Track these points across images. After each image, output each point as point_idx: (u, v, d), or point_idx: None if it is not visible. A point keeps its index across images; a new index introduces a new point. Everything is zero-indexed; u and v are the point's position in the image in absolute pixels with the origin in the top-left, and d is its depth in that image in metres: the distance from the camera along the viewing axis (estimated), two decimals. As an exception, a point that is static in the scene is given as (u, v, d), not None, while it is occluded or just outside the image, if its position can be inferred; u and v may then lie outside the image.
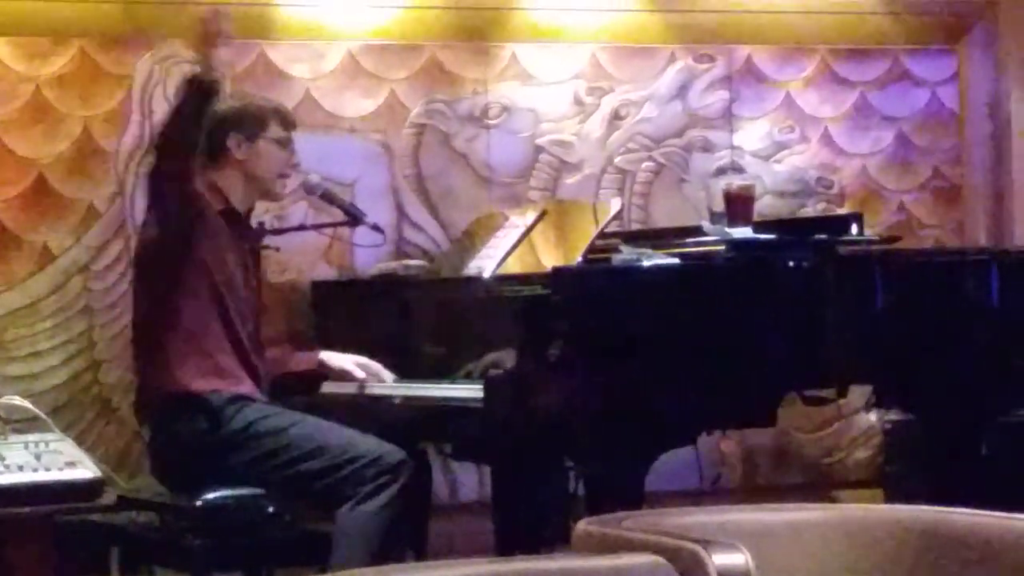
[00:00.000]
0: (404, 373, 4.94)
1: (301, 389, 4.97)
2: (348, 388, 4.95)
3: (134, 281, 4.94)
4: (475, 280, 5.00)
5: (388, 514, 4.45)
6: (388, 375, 4.92)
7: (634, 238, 5.18)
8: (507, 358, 4.46)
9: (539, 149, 6.33)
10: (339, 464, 4.49)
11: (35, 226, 5.78)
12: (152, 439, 4.75)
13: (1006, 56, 6.80)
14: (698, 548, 2.72)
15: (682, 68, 6.52)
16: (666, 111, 6.49)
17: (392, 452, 4.53)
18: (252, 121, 4.81)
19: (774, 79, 6.65)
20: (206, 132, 4.88)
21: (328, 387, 5.02)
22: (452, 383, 4.69)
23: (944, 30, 6.85)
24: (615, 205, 5.18)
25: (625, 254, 4.67)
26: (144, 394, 4.75)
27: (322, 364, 5.00)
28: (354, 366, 4.93)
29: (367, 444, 4.55)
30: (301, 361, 5.03)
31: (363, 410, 4.90)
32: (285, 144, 4.86)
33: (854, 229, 5.08)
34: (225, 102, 5.02)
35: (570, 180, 6.35)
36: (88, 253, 5.82)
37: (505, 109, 6.30)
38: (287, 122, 4.89)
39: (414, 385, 4.84)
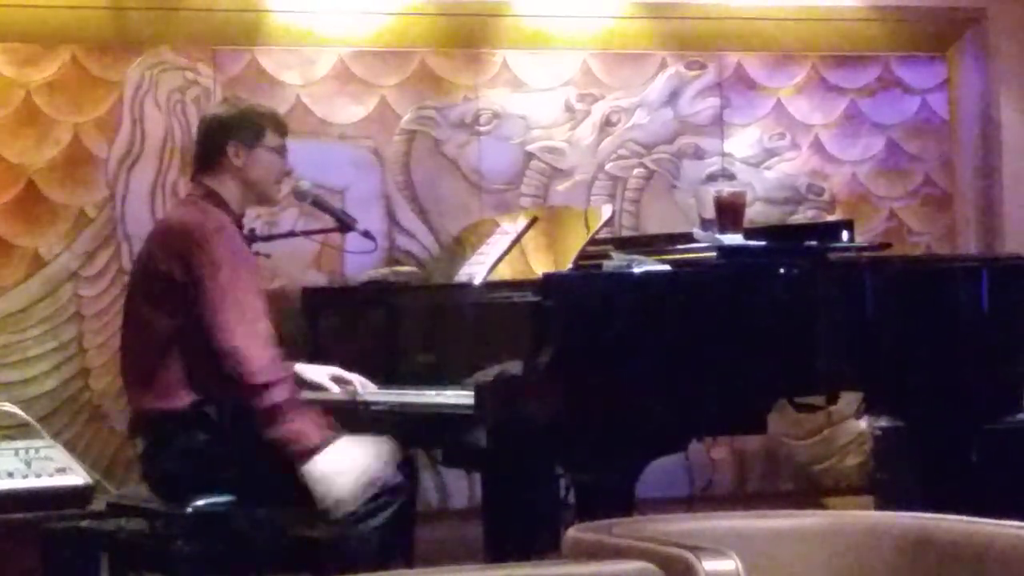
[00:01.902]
0: (394, 380, 4.93)
1: None
2: (339, 395, 4.94)
3: (130, 297, 4.90)
4: (466, 287, 5.00)
5: (383, 534, 4.45)
6: (360, 382, 4.89)
7: (625, 244, 5.18)
8: (510, 370, 4.46)
9: (530, 156, 6.34)
10: None
11: (25, 232, 5.78)
12: (150, 451, 4.70)
13: (996, 63, 6.80)
14: (688, 555, 2.73)
15: (673, 75, 6.53)
16: (657, 118, 6.50)
17: (390, 474, 4.52)
18: (250, 129, 4.79)
19: (765, 86, 6.65)
20: (203, 138, 4.87)
21: (319, 394, 5.01)
22: (443, 390, 4.68)
23: (934, 37, 6.86)
24: (606, 212, 5.18)
25: (616, 260, 4.66)
26: (141, 406, 4.71)
27: (296, 377, 4.98)
28: (329, 381, 4.91)
29: None
30: None
31: (352, 417, 4.89)
32: (281, 151, 4.86)
33: (844, 236, 5.07)
34: (219, 107, 5.02)
35: (561, 187, 6.35)
36: (78, 259, 5.82)
37: (496, 116, 6.30)
38: (282, 128, 4.89)
39: (404, 392, 4.83)
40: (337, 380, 4.90)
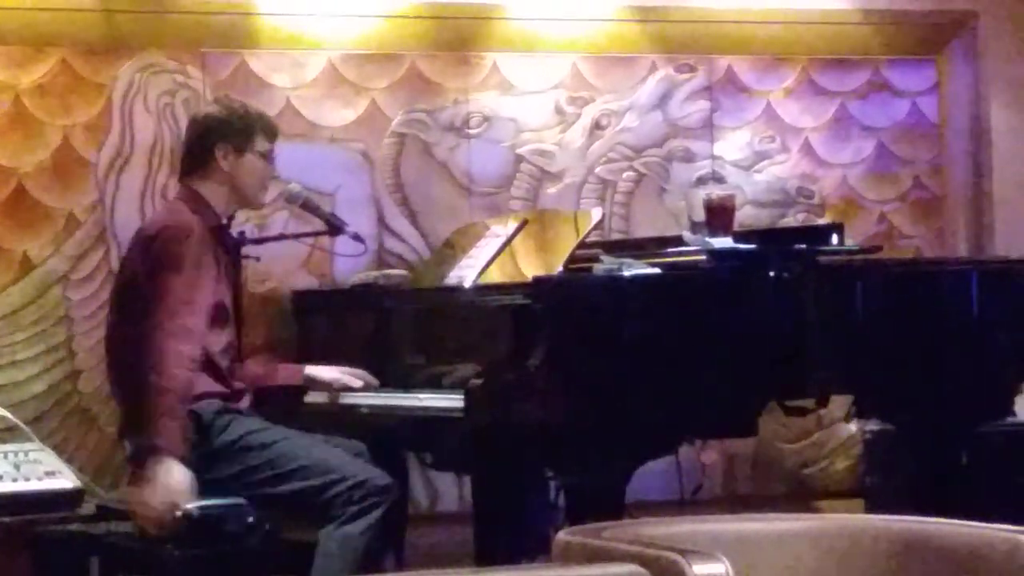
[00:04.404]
0: (384, 382, 4.94)
1: (281, 400, 4.95)
2: (326, 397, 4.95)
3: (115, 300, 4.89)
4: (456, 290, 5.00)
5: (370, 536, 4.45)
6: (374, 382, 4.93)
7: (615, 247, 5.19)
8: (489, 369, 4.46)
9: (520, 159, 6.33)
10: (325, 484, 4.47)
11: (14, 235, 5.77)
12: (137, 451, 4.70)
13: (986, 67, 6.80)
14: (678, 558, 2.73)
15: (663, 78, 6.52)
16: (647, 121, 6.49)
17: (378, 476, 4.52)
18: (240, 132, 4.77)
19: (755, 89, 6.65)
20: (192, 139, 4.86)
21: (308, 397, 5.01)
22: (433, 392, 4.68)
23: (924, 40, 6.86)
24: (596, 215, 5.18)
25: (606, 263, 4.67)
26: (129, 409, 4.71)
27: (308, 379, 4.99)
28: (348, 377, 4.93)
29: (354, 466, 4.54)
30: (286, 375, 5.02)
31: (341, 419, 4.89)
32: (269, 156, 4.85)
33: (834, 239, 5.08)
34: (211, 107, 4.99)
35: (551, 190, 6.35)
36: (68, 262, 5.81)
37: (486, 119, 6.29)
38: (271, 132, 4.87)
39: (394, 394, 4.83)
40: (351, 376, 4.93)
